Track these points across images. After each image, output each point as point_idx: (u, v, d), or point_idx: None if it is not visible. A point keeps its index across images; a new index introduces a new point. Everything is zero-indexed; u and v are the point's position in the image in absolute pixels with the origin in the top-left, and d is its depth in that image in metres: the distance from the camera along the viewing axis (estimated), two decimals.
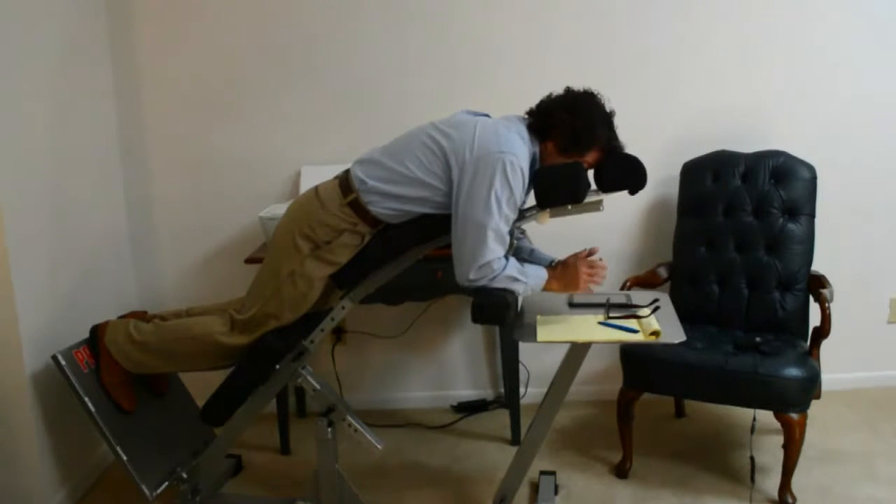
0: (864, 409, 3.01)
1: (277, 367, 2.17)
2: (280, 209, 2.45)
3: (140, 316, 2.36)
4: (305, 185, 2.88)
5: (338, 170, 2.20)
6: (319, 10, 2.93)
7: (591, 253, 2.14)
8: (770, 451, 2.69)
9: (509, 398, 2.87)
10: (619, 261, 3.11)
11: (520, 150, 1.95)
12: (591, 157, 2.05)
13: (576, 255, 2.12)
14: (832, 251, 2.95)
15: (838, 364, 3.10)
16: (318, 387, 2.21)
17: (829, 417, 2.93)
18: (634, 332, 1.99)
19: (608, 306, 2.14)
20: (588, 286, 2.09)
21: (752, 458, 2.46)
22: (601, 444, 2.81)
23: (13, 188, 2.27)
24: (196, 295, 3.07)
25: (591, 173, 2.06)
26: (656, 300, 2.17)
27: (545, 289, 2.08)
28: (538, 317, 2.11)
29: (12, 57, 2.30)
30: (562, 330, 2.02)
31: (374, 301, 2.56)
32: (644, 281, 2.81)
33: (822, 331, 2.49)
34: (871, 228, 3.10)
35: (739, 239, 2.74)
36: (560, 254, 2.22)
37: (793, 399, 2.30)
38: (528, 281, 2.01)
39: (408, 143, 2.05)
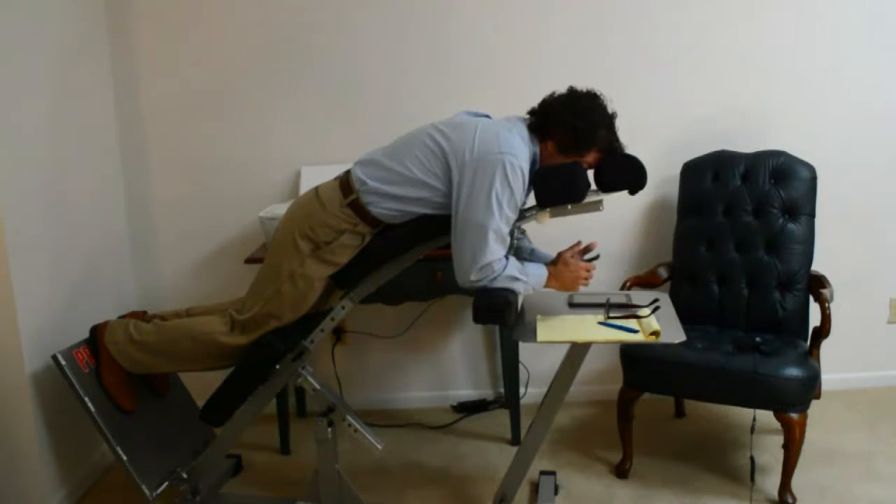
0: (864, 409, 3.01)
1: (277, 367, 2.17)
2: (280, 209, 2.45)
3: (140, 316, 2.36)
4: (305, 186, 2.88)
5: (337, 170, 2.20)
6: (319, 10, 2.93)
7: (587, 249, 2.14)
8: (770, 451, 2.69)
9: (509, 398, 2.87)
10: (619, 261, 3.11)
11: (520, 151, 1.95)
12: (590, 157, 2.05)
13: (571, 252, 2.12)
14: (832, 251, 2.94)
15: (838, 364, 3.10)
16: (318, 387, 2.21)
17: (829, 417, 2.93)
18: (634, 332, 1.99)
19: (608, 306, 2.14)
20: (587, 283, 2.10)
21: (752, 458, 2.46)
22: (601, 444, 2.81)
23: (13, 188, 2.27)
24: (196, 295, 3.07)
25: (591, 173, 2.06)
26: (656, 300, 2.18)
27: (546, 286, 2.09)
28: (538, 317, 2.11)
29: (12, 57, 2.30)
30: (562, 330, 2.02)
31: (374, 301, 2.57)
32: (644, 281, 2.81)
33: (822, 331, 2.49)
34: (871, 228, 3.10)
35: (739, 239, 2.74)
36: None
37: (793, 399, 2.30)
38: (528, 280, 2.01)
39: (408, 144, 2.05)
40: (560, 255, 2.13)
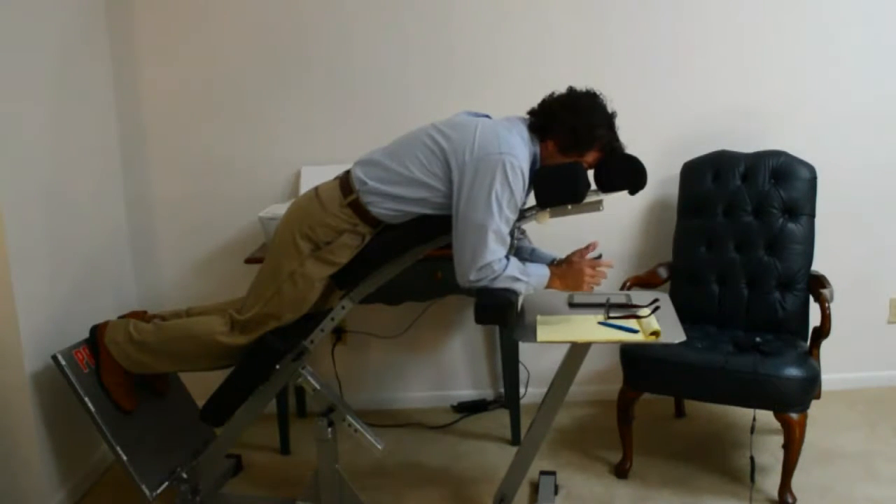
0: (864, 409, 3.01)
1: (277, 367, 2.17)
2: (280, 209, 2.45)
3: (140, 316, 2.35)
4: (305, 186, 2.88)
5: (338, 170, 2.21)
6: (319, 10, 2.93)
7: (592, 249, 2.14)
8: (770, 451, 2.69)
9: (509, 398, 2.87)
10: (619, 261, 3.10)
11: (520, 151, 1.95)
12: (590, 157, 2.05)
13: (579, 254, 2.12)
14: (832, 251, 2.95)
15: (838, 364, 3.10)
16: (318, 387, 2.21)
17: (829, 417, 2.93)
18: (634, 332, 1.99)
19: (608, 306, 2.14)
20: (591, 286, 2.10)
21: (752, 458, 2.46)
22: (601, 444, 2.81)
23: (13, 189, 2.27)
24: (196, 295, 3.07)
25: (591, 173, 2.06)
26: (656, 300, 2.18)
27: (547, 286, 2.09)
28: (538, 317, 2.11)
29: (12, 57, 2.29)
30: (562, 330, 2.02)
31: (374, 301, 2.57)
32: (644, 281, 2.81)
33: (822, 331, 2.49)
34: (871, 228, 3.10)
35: (739, 239, 2.74)
36: (560, 253, 2.22)
37: (793, 399, 2.30)
38: (529, 280, 2.01)
39: (408, 143, 2.05)
40: (568, 256, 2.13)
